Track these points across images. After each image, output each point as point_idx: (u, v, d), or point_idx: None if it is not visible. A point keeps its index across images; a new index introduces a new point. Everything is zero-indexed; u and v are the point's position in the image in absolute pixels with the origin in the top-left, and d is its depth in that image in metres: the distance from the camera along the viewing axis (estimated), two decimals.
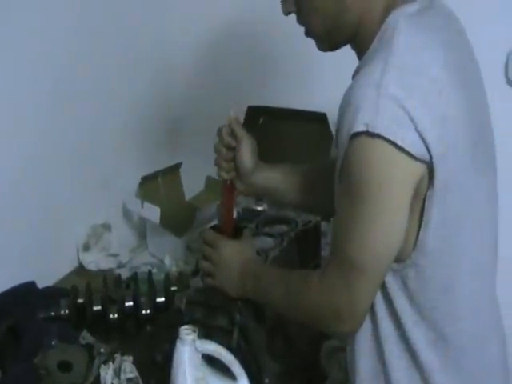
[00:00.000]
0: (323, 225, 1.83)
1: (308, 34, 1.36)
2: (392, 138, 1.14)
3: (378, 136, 1.14)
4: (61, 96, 1.98)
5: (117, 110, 2.23)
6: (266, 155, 1.79)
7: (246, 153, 1.52)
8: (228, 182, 1.54)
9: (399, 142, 1.14)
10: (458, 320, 1.30)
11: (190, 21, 2.39)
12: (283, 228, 1.74)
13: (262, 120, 2.29)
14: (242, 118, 2.09)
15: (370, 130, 1.14)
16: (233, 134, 1.52)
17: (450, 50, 1.26)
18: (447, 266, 1.26)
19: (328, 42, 1.35)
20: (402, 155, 1.15)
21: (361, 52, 1.29)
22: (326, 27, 1.32)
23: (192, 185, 2.44)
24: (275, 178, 1.57)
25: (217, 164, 1.54)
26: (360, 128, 1.15)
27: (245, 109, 2.27)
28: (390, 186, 1.18)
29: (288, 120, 2.27)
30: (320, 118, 2.17)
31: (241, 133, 1.52)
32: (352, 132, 1.16)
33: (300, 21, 1.35)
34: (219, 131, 1.53)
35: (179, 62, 2.46)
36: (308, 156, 2.09)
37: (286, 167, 1.61)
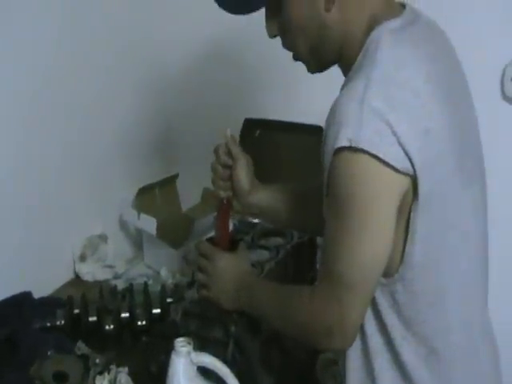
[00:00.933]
0: (319, 238, 1.83)
1: (295, 57, 1.38)
2: (375, 152, 1.14)
3: (362, 150, 1.15)
4: (58, 107, 1.99)
5: (114, 122, 2.24)
6: (262, 168, 1.80)
7: (242, 172, 1.53)
8: (224, 201, 1.55)
9: (382, 156, 1.15)
10: (448, 333, 1.30)
11: (186, 33, 2.40)
12: (279, 241, 1.74)
13: (258, 132, 2.30)
14: (237, 134, 2.11)
15: (353, 144, 1.15)
16: (229, 153, 1.53)
17: (434, 63, 1.26)
18: (435, 280, 1.26)
19: (314, 62, 1.36)
20: (386, 169, 1.16)
21: (346, 69, 1.30)
22: (309, 48, 1.33)
23: (188, 196, 2.44)
24: (270, 198, 1.59)
25: (213, 182, 1.55)
26: (343, 143, 1.15)
27: (241, 121, 2.28)
28: (374, 199, 1.18)
29: (284, 132, 2.28)
30: (316, 131, 2.17)
31: (237, 151, 1.53)
32: (336, 147, 1.17)
33: (285, 45, 1.37)
34: (216, 150, 1.54)
35: (176, 73, 2.46)
36: (304, 169, 2.10)
37: (281, 187, 1.62)
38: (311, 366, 1.65)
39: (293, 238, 1.74)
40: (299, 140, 2.25)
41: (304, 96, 2.32)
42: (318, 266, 1.79)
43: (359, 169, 1.17)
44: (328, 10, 1.27)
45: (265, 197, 1.58)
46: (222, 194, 1.55)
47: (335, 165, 1.18)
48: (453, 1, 1.95)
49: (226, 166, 1.54)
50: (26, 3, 1.85)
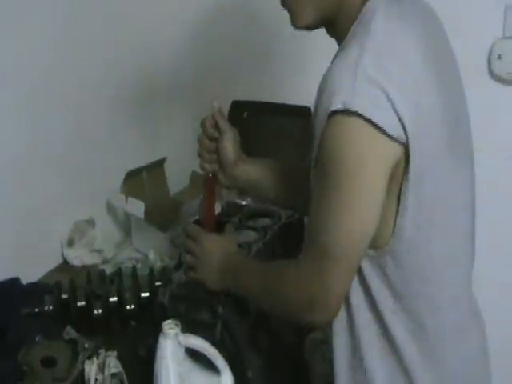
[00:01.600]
0: (306, 218, 1.83)
1: (283, 2, 1.34)
2: (369, 116, 1.14)
3: (356, 114, 1.14)
4: (43, 91, 1.97)
5: (100, 105, 2.23)
6: (249, 149, 1.79)
7: (229, 144, 1.52)
8: (210, 175, 1.54)
9: (376, 121, 1.14)
10: (437, 311, 1.30)
11: (174, 13, 2.38)
12: (266, 221, 1.74)
13: (246, 114, 2.29)
14: (225, 111, 2.10)
15: (347, 107, 1.14)
16: (216, 126, 1.51)
17: (427, 38, 1.26)
18: (425, 255, 1.26)
19: (303, 16, 1.32)
20: (379, 134, 1.15)
21: (340, 37, 1.29)
22: (303, 3, 1.30)
23: (176, 180, 2.44)
24: (258, 172, 1.57)
25: (199, 155, 1.54)
26: (338, 106, 1.15)
27: (229, 103, 2.27)
28: (365, 167, 1.17)
29: (272, 114, 2.27)
30: (304, 112, 2.17)
31: (224, 124, 1.52)
32: (329, 110, 1.16)
33: None
34: (203, 122, 1.53)
35: (164, 56, 2.45)
36: (292, 150, 2.09)
37: (269, 163, 1.61)
38: (299, 346, 1.65)
39: (280, 219, 1.74)
40: (287, 122, 2.24)
41: (291, 77, 2.31)
42: None
43: (352, 133, 1.16)
44: None
45: (252, 171, 1.56)
46: (208, 167, 1.54)
47: (328, 129, 1.17)
48: None
49: (212, 139, 1.52)
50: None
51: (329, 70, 1.20)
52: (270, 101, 2.28)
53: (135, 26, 2.32)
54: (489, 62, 2.08)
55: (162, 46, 2.43)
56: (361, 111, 1.13)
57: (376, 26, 1.20)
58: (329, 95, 1.16)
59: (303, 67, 2.24)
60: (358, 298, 1.29)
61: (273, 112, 2.28)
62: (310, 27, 1.34)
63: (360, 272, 1.27)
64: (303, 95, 2.20)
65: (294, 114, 2.23)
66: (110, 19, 2.22)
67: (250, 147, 2.25)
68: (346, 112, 1.14)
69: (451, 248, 1.31)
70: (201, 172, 1.58)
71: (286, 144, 2.21)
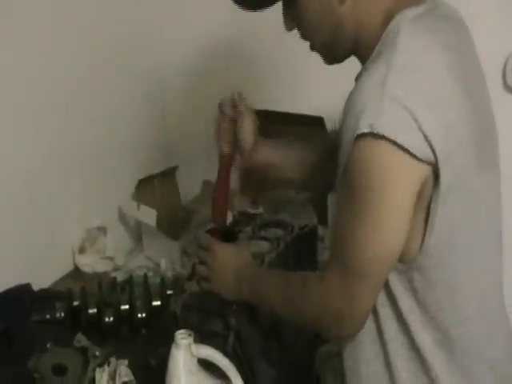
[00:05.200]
0: (320, 229, 1.83)
1: (312, 48, 1.38)
2: (395, 139, 1.14)
3: (382, 137, 1.14)
4: (58, 103, 1.98)
5: (113, 114, 2.23)
6: None
7: (248, 127, 1.51)
8: (227, 157, 1.52)
9: (402, 143, 1.14)
10: (463, 321, 1.30)
11: (186, 25, 2.40)
12: (279, 232, 1.74)
13: (258, 123, 2.29)
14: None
15: (374, 131, 1.14)
16: (234, 107, 1.51)
17: (453, 52, 1.26)
18: (452, 268, 1.26)
19: (330, 54, 1.36)
20: (406, 156, 1.15)
21: (363, 57, 1.30)
22: (324, 40, 1.33)
23: (188, 188, 2.44)
24: (275, 154, 1.57)
25: (216, 137, 1.53)
26: (364, 129, 1.15)
27: None
28: (392, 188, 1.18)
29: (285, 124, 2.27)
30: (317, 122, 2.17)
31: (243, 107, 1.51)
32: (356, 134, 1.16)
33: (302, 36, 1.37)
34: (220, 104, 1.52)
35: (176, 66, 2.47)
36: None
37: (287, 144, 1.61)
38: (311, 358, 1.64)
39: (293, 230, 1.73)
40: (300, 131, 2.24)
41: (305, 87, 2.31)
42: (318, 257, 1.80)
43: (379, 155, 1.16)
44: (342, 2, 1.27)
45: (270, 154, 1.56)
46: (225, 148, 1.52)
47: (355, 151, 1.17)
48: None
49: (230, 121, 1.51)
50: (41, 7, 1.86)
51: (355, 88, 1.21)
52: (283, 110, 2.28)
53: (150, 37, 2.35)
54: (504, 74, 2.08)
55: (175, 53, 2.44)
56: (387, 134, 1.13)
57: (402, 43, 1.20)
58: (356, 115, 1.17)
59: (316, 77, 2.24)
60: (385, 309, 1.29)
61: (286, 121, 2.28)
62: (339, 61, 1.38)
63: (387, 284, 1.27)
64: (316, 105, 2.21)
65: (307, 123, 2.22)
66: (126, 35, 2.24)
67: None
68: (373, 135, 1.14)
69: (478, 258, 1.30)
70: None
71: None
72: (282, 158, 1.58)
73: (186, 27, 2.40)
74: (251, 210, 2.08)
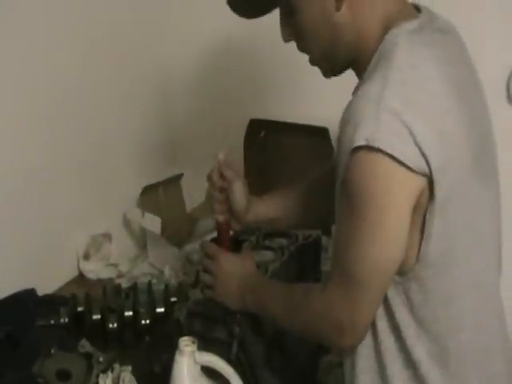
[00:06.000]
0: (324, 239, 1.84)
1: (311, 61, 1.38)
2: (391, 152, 1.15)
3: (378, 150, 1.15)
4: (62, 107, 1.99)
5: (118, 121, 2.24)
6: (267, 169, 1.80)
7: (239, 193, 1.54)
8: (223, 224, 1.57)
9: (398, 156, 1.15)
10: (460, 332, 1.30)
11: (190, 34, 2.40)
12: (283, 242, 1.75)
13: (263, 133, 2.30)
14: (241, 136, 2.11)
15: (370, 143, 1.15)
16: (222, 177, 1.54)
17: (450, 64, 1.27)
18: (449, 278, 1.27)
19: (329, 65, 1.37)
20: (402, 169, 1.16)
21: (359, 70, 1.30)
22: (322, 49, 1.34)
23: (193, 196, 2.45)
24: (270, 210, 1.61)
25: (212, 207, 1.57)
26: (360, 142, 1.16)
27: (247, 122, 2.29)
28: (390, 199, 1.19)
29: (289, 133, 2.28)
30: (321, 132, 2.18)
31: (231, 174, 1.54)
32: (352, 147, 1.17)
33: (300, 48, 1.38)
34: (209, 176, 1.56)
35: (180, 74, 2.47)
36: (309, 170, 2.10)
37: (278, 195, 1.64)
38: (314, 367, 1.65)
39: (297, 239, 1.74)
40: (304, 141, 2.25)
41: (310, 97, 2.32)
42: (322, 267, 1.81)
43: (375, 168, 1.17)
44: (338, 8, 1.27)
45: (264, 211, 1.60)
46: (221, 218, 1.56)
47: (351, 164, 1.18)
48: (459, 4, 1.95)
49: (221, 190, 1.55)
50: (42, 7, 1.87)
51: (352, 102, 1.21)
52: (287, 120, 2.30)
53: (155, 45, 2.36)
54: (508, 87, 2.09)
55: (181, 62, 2.45)
56: (383, 147, 1.14)
57: (399, 56, 1.21)
58: (352, 128, 1.17)
59: (322, 87, 2.25)
60: (382, 321, 1.30)
61: (290, 131, 2.29)
62: (338, 73, 1.38)
63: (384, 297, 1.27)
64: (321, 115, 2.22)
65: (312, 133, 2.24)
66: (130, 44, 2.24)
67: (266, 166, 2.27)
68: (369, 148, 1.15)
69: (476, 270, 1.31)
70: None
71: (304, 163, 2.22)
72: (277, 212, 1.61)
73: (190, 32, 2.40)
74: None
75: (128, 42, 2.23)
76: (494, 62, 2.03)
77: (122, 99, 2.24)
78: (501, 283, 1.42)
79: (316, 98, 2.29)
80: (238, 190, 1.55)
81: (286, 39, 1.38)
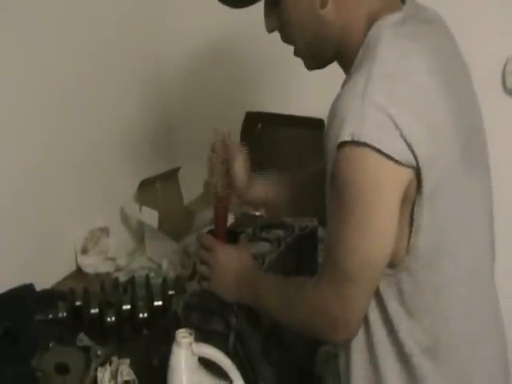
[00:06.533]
0: (320, 230, 1.84)
1: (295, 53, 1.38)
2: (377, 146, 1.15)
3: (364, 144, 1.15)
4: (59, 102, 1.99)
5: (115, 115, 2.24)
6: (263, 160, 1.80)
7: (241, 167, 1.54)
8: (223, 197, 1.56)
9: (384, 149, 1.15)
10: (451, 322, 1.30)
11: (186, 27, 2.41)
12: (280, 233, 1.75)
13: (259, 126, 2.30)
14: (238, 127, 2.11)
15: (355, 138, 1.15)
16: (226, 149, 1.54)
17: (436, 55, 1.26)
18: (440, 269, 1.27)
19: (313, 59, 1.37)
20: (388, 162, 1.16)
21: (346, 65, 1.30)
22: (307, 44, 1.34)
23: (190, 189, 2.45)
24: (270, 191, 1.60)
25: (211, 175, 1.56)
26: (346, 137, 1.16)
27: (243, 114, 2.29)
28: (377, 192, 1.19)
29: (285, 126, 2.28)
30: (317, 124, 2.18)
31: (234, 147, 1.54)
32: (338, 142, 1.17)
33: (284, 39, 1.38)
34: (212, 147, 1.55)
35: (176, 67, 2.47)
36: (305, 162, 2.10)
37: (280, 178, 1.63)
38: (311, 359, 1.66)
39: (294, 231, 1.74)
40: (301, 133, 2.26)
41: (305, 89, 2.32)
42: (319, 258, 1.81)
43: (362, 162, 1.17)
44: (323, 6, 1.27)
45: (264, 191, 1.59)
46: (221, 190, 1.56)
47: (338, 159, 1.18)
48: None
49: (223, 162, 1.54)
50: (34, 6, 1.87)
51: (338, 96, 1.21)
52: (283, 112, 2.30)
53: (151, 39, 2.37)
54: (503, 77, 2.09)
55: (176, 55, 2.46)
56: (369, 141, 1.14)
57: (382, 50, 1.21)
58: (338, 123, 1.17)
59: (317, 79, 2.25)
60: (373, 314, 1.30)
61: (287, 123, 2.29)
62: (322, 66, 1.38)
63: (376, 290, 1.28)
64: (316, 107, 2.22)
65: (308, 125, 2.24)
66: (127, 39, 2.25)
67: (263, 158, 2.27)
68: (355, 143, 1.15)
69: (467, 260, 1.31)
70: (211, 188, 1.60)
71: (300, 155, 2.23)
72: (277, 193, 1.60)
73: (185, 28, 2.41)
74: (253, 212, 2.10)
75: (124, 40, 2.24)
76: (490, 52, 2.03)
77: (118, 95, 2.24)
78: (501, 283, 1.43)
79: (311, 90, 2.28)
80: (240, 164, 1.54)
81: (270, 30, 1.37)
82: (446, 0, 1.86)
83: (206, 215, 2.20)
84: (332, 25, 1.29)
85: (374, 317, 1.30)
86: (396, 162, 1.16)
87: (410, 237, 1.23)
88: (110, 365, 1.57)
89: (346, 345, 1.34)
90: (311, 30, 1.31)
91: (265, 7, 1.36)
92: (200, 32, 2.40)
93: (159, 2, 2.38)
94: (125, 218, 2.33)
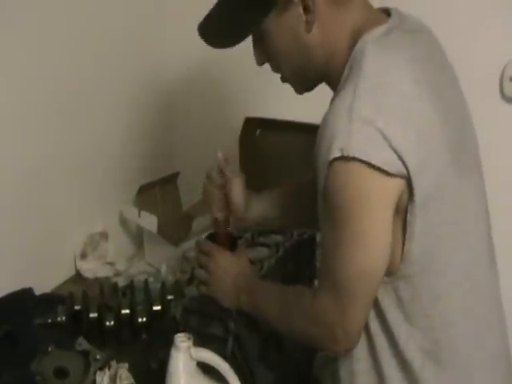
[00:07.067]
0: (318, 235, 1.84)
1: (283, 79, 1.40)
2: (366, 159, 1.16)
3: (354, 159, 1.16)
4: (59, 108, 2.00)
5: (114, 121, 2.25)
6: (262, 166, 1.81)
7: (238, 190, 1.56)
8: (221, 221, 1.58)
9: (374, 161, 1.16)
10: (451, 326, 1.31)
11: (186, 34, 2.40)
12: (278, 238, 1.76)
13: (258, 131, 2.31)
14: (236, 134, 2.13)
15: (344, 154, 1.16)
16: (222, 174, 1.55)
17: (420, 64, 1.27)
18: (436, 273, 1.28)
19: (301, 83, 1.39)
20: (379, 174, 1.17)
21: (334, 85, 1.31)
22: (293, 69, 1.36)
23: (189, 194, 2.45)
24: (267, 208, 1.62)
25: (208, 205, 1.58)
26: (336, 154, 1.17)
27: (242, 120, 2.29)
28: (370, 207, 1.20)
29: (285, 131, 2.29)
30: (317, 130, 2.18)
31: (230, 171, 1.56)
32: (329, 159, 1.18)
33: (273, 68, 1.40)
34: (208, 173, 1.57)
35: (176, 72, 2.47)
36: (304, 167, 2.10)
37: (276, 193, 1.65)
38: (309, 362, 1.66)
39: (292, 236, 1.75)
40: (300, 139, 2.25)
41: (305, 95, 2.31)
42: (317, 263, 1.81)
43: (353, 177, 1.18)
44: (308, 30, 1.29)
45: (261, 209, 1.61)
46: (220, 215, 1.57)
47: (329, 176, 1.20)
48: (452, 1, 1.96)
49: (220, 187, 1.56)
50: (36, 7, 1.87)
51: (326, 115, 1.23)
52: (282, 118, 2.30)
53: (150, 43, 2.37)
54: (501, 83, 2.09)
55: (175, 60, 2.45)
56: (358, 155, 1.16)
57: (367, 63, 1.22)
58: (327, 141, 1.19)
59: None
60: (374, 323, 1.31)
61: (285, 129, 2.29)
62: (310, 89, 1.41)
63: (375, 299, 1.29)
64: (316, 113, 2.22)
65: (307, 131, 2.22)
66: (128, 42, 2.26)
67: (262, 164, 2.28)
68: (345, 158, 1.17)
69: (463, 262, 1.32)
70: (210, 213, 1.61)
71: (299, 161, 2.22)
72: (274, 208, 1.63)
73: (186, 32, 2.38)
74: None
75: (126, 43, 2.25)
76: (487, 58, 2.04)
77: (118, 99, 2.24)
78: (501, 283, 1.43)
79: (311, 96, 2.29)
80: (237, 188, 1.56)
81: (260, 63, 1.40)
82: (443, 6, 1.89)
83: (205, 220, 2.21)
84: (318, 49, 1.31)
85: (375, 325, 1.31)
86: (386, 173, 1.17)
87: (403, 244, 1.24)
88: (109, 369, 1.57)
89: (348, 354, 1.35)
90: (297, 58, 1.33)
91: (253, 42, 1.39)
92: (201, 39, 2.39)
93: (160, 6, 2.38)
94: (124, 223, 2.34)
